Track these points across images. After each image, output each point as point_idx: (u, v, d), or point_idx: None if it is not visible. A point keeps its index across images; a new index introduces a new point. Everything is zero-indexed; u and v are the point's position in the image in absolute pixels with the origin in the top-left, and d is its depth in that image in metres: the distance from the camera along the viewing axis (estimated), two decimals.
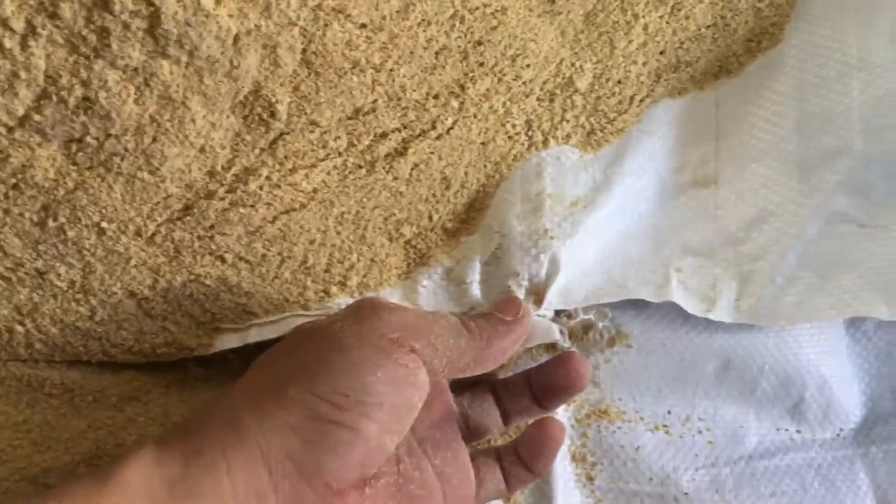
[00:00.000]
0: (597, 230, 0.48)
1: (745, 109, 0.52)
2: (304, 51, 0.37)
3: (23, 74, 0.32)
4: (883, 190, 0.48)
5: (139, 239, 0.40)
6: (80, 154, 0.36)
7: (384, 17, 0.39)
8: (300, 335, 0.37)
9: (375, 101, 0.42)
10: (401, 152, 0.44)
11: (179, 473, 0.31)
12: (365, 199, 0.44)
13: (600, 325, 0.49)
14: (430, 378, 0.36)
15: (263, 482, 0.31)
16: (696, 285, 0.48)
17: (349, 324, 0.35)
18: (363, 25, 0.38)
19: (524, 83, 0.47)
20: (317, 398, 0.33)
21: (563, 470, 0.48)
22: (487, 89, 0.45)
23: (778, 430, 0.50)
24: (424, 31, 0.40)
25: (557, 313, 0.47)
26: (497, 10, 0.44)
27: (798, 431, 0.50)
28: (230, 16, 0.34)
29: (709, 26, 0.51)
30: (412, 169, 0.44)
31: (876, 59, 0.49)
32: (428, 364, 0.36)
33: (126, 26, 0.33)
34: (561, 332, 0.46)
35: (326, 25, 0.37)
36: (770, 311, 0.46)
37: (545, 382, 0.44)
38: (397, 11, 0.39)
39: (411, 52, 0.40)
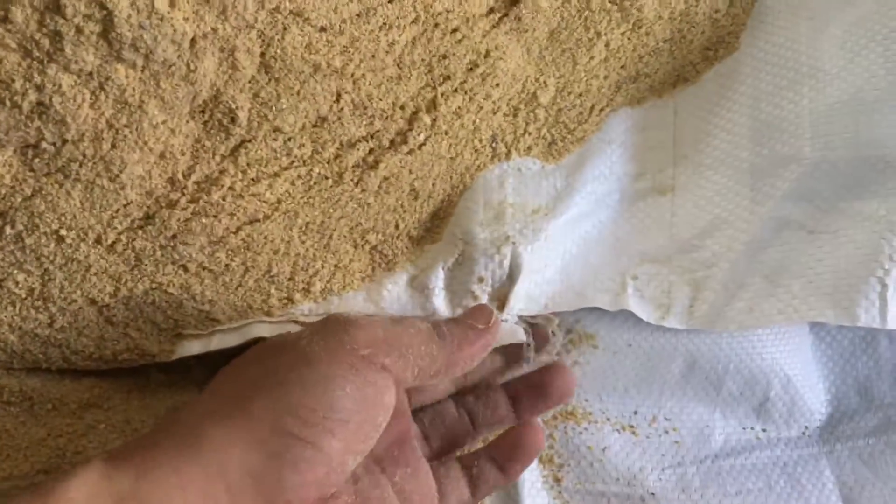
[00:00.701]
0: (558, 236, 0.47)
1: (701, 117, 0.51)
2: (262, 54, 0.36)
3: None
4: (830, 196, 0.47)
5: (99, 247, 0.38)
6: (36, 160, 0.34)
7: (344, 21, 0.37)
8: (267, 348, 0.35)
9: (342, 109, 0.40)
10: (371, 165, 0.43)
11: (128, 489, 0.29)
12: (331, 210, 0.43)
13: (565, 326, 0.48)
14: (401, 386, 0.35)
15: (220, 498, 0.30)
16: (652, 293, 0.47)
17: (318, 339, 0.34)
18: (323, 29, 0.37)
19: (493, 101, 0.46)
20: (283, 412, 0.31)
21: (529, 472, 0.47)
22: (459, 107, 0.44)
23: (744, 428, 0.49)
24: (386, 34, 0.39)
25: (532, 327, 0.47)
26: (462, 22, 0.43)
27: (764, 430, 0.49)
28: (185, 19, 0.33)
29: (667, 40, 0.50)
30: (382, 181, 0.43)
31: (826, 67, 0.48)
32: (398, 376, 0.34)
33: (79, 30, 0.31)
34: (525, 331, 0.45)
35: (285, 29, 0.36)
36: (722, 316, 0.45)
37: (534, 392, 0.43)
38: (357, 15, 0.38)
39: (373, 56, 0.39)
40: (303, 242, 0.43)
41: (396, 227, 0.46)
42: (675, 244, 0.48)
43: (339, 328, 0.34)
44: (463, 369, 0.38)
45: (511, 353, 0.46)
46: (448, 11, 0.41)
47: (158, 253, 0.39)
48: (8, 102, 0.32)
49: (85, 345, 0.41)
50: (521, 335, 0.45)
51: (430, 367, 0.36)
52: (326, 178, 0.42)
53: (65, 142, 0.34)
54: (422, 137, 0.43)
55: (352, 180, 0.42)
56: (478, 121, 0.46)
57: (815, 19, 0.49)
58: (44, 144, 0.34)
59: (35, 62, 0.31)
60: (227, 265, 0.41)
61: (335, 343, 0.33)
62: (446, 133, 0.45)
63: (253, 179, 0.40)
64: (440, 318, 0.43)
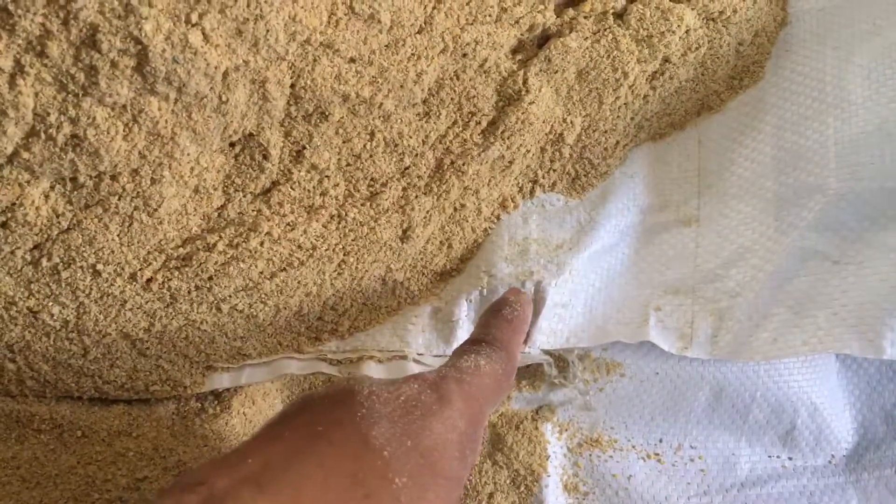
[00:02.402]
0: (582, 270, 0.46)
1: (726, 146, 0.49)
2: (293, 85, 0.35)
3: (11, 113, 0.30)
4: (855, 227, 0.45)
5: (135, 283, 0.37)
6: (75, 193, 0.34)
7: (373, 52, 0.36)
8: (324, 433, 0.28)
9: (376, 147, 0.40)
10: (406, 212, 0.42)
11: None
12: (365, 255, 0.42)
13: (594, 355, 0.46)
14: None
15: None
16: (674, 323, 0.45)
17: (397, 448, 0.28)
18: (352, 60, 0.36)
19: (526, 148, 0.45)
20: None
21: (555, 500, 0.45)
22: (496, 158, 0.43)
23: (770, 457, 0.47)
24: (415, 65, 0.38)
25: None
26: (490, 51, 0.42)
27: (790, 458, 0.47)
28: (218, 52, 0.32)
29: (690, 79, 0.49)
30: (416, 229, 0.43)
31: (851, 97, 0.46)
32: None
33: (114, 64, 0.31)
34: (549, 364, 0.44)
35: (315, 60, 0.35)
36: (746, 347, 0.44)
37: None
38: (386, 46, 0.37)
39: (401, 86, 0.38)
40: (333, 284, 0.42)
41: (425, 266, 0.45)
42: (698, 274, 0.47)
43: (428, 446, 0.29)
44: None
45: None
46: (476, 42, 0.41)
47: (194, 293, 0.39)
48: (43, 135, 0.31)
49: (117, 375, 0.40)
50: (543, 356, 0.44)
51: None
52: (362, 224, 0.41)
53: (101, 175, 0.33)
54: (455, 193, 0.43)
55: (387, 226, 0.41)
56: (510, 165, 0.45)
57: (841, 49, 0.47)
58: (81, 178, 0.33)
59: (70, 95, 0.31)
60: (260, 308, 0.40)
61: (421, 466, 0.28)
62: (481, 183, 0.44)
63: (290, 225, 0.39)
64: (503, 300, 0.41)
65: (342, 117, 0.38)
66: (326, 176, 0.39)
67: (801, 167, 0.46)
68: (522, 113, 0.43)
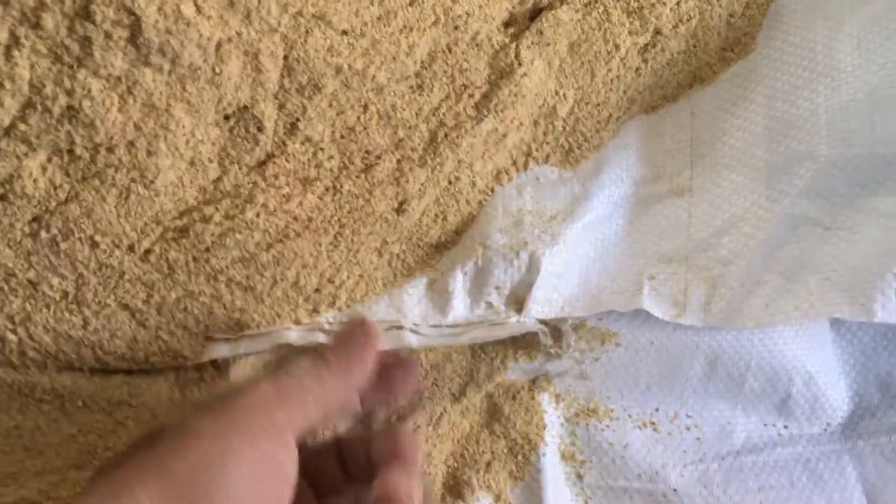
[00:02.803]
0: (576, 241, 0.46)
1: (718, 117, 0.50)
2: (285, 57, 0.36)
3: (7, 84, 0.31)
4: (846, 193, 0.46)
5: (133, 254, 0.38)
6: (72, 165, 0.34)
7: (365, 24, 0.37)
8: (152, 437, 0.29)
9: (369, 119, 0.40)
10: (401, 185, 0.42)
11: None
12: (360, 227, 0.42)
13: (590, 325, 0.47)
14: (307, 435, 0.30)
15: None
16: (668, 291, 0.45)
17: (205, 414, 0.28)
18: (344, 32, 0.37)
19: (519, 121, 0.45)
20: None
21: (552, 468, 0.46)
22: (490, 131, 0.44)
23: (766, 425, 0.48)
24: (407, 37, 0.39)
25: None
26: (481, 24, 0.42)
27: (785, 427, 0.48)
28: (211, 23, 0.33)
29: (682, 51, 0.49)
30: (411, 202, 0.43)
31: (841, 66, 0.47)
32: (301, 426, 0.30)
33: (108, 35, 0.31)
34: (544, 333, 0.45)
35: (308, 32, 0.35)
36: (739, 313, 0.44)
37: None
38: (378, 18, 0.37)
39: (394, 59, 0.39)
40: (330, 256, 0.42)
41: (420, 238, 0.45)
42: (691, 243, 0.47)
43: (226, 400, 0.29)
44: (360, 383, 0.33)
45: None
46: (468, 14, 0.41)
47: (191, 264, 0.39)
48: (39, 107, 0.32)
49: (117, 346, 0.41)
50: (538, 325, 0.44)
51: (331, 401, 0.31)
52: (357, 196, 0.41)
53: (97, 147, 0.34)
54: (449, 166, 0.43)
55: (382, 198, 0.42)
56: (504, 139, 0.45)
57: (831, 19, 0.48)
58: (78, 150, 0.33)
59: (65, 67, 0.31)
60: (257, 279, 0.41)
61: (223, 413, 0.28)
62: (474, 156, 0.44)
63: (285, 196, 0.39)
64: (323, 346, 0.35)
65: (335, 90, 0.38)
66: (321, 148, 0.39)
67: (792, 135, 0.47)
68: (515, 86, 0.43)
